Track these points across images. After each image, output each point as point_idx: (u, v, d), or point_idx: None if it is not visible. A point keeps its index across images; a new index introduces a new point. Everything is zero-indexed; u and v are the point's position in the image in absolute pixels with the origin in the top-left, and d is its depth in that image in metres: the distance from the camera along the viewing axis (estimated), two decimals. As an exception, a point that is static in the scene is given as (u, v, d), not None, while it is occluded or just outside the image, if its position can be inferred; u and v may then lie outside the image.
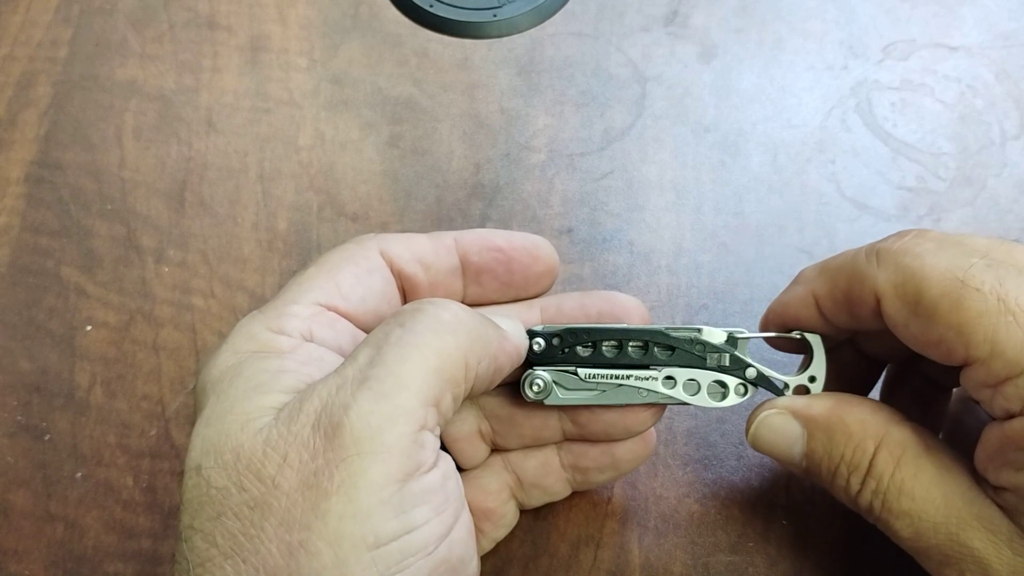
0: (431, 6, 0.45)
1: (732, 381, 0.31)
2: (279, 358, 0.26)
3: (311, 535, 0.23)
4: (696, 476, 0.35)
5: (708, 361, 0.30)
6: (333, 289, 0.28)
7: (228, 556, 0.23)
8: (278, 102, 0.43)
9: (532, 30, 0.45)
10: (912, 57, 0.43)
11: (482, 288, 0.31)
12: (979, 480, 0.27)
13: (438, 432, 0.25)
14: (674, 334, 0.30)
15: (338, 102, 0.43)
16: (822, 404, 0.30)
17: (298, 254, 0.40)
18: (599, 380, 0.30)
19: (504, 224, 0.40)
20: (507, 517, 0.32)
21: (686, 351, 0.30)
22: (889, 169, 0.41)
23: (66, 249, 0.40)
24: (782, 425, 0.30)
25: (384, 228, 0.40)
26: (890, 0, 0.44)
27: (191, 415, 0.37)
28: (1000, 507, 0.26)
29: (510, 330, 0.29)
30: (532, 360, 0.30)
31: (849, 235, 0.39)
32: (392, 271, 0.30)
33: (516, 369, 0.30)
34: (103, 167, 0.42)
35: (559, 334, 0.30)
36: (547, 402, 0.30)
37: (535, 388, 0.30)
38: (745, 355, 0.31)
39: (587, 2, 0.45)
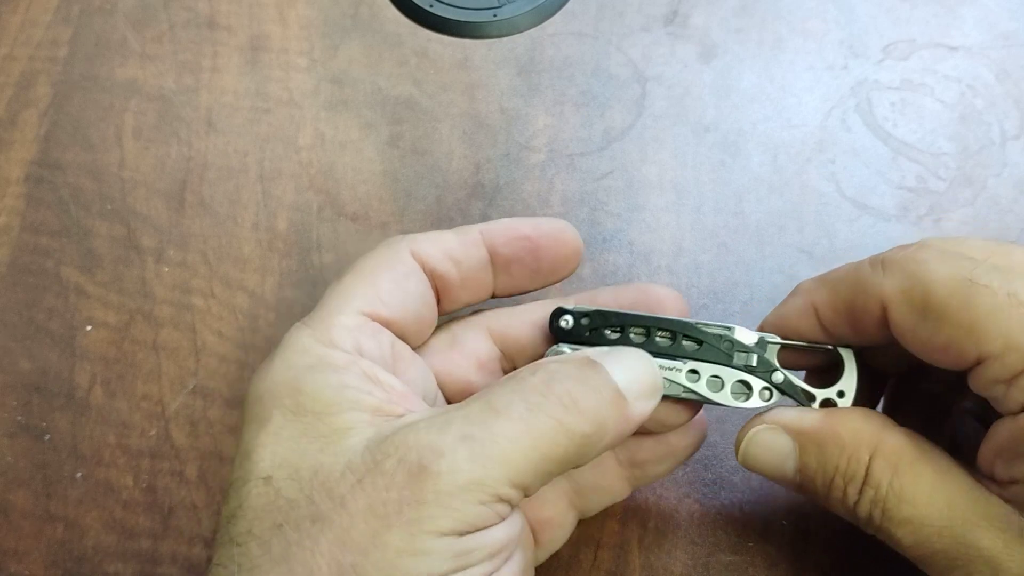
0: (431, 6, 0.45)
1: (757, 384, 0.30)
2: (337, 373, 0.26)
3: (365, 561, 0.23)
4: (696, 476, 0.35)
5: (735, 360, 0.30)
6: (373, 297, 0.29)
7: (277, 563, 0.23)
8: (278, 102, 0.43)
9: (532, 30, 0.45)
10: (912, 57, 0.43)
11: (512, 277, 0.31)
12: (982, 480, 0.27)
13: (517, 502, 0.25)
14: (704, 328, 0.30)
15: (338, 102, 0.43)
16: (812, 416, 0.29)
17: (298, 254, 0.40)
18: None
19: (504, 224, 0.40)
20: (565, 527, 0.32)
21: (714, 347, 0.30)
22: (889, 169, 0.41)
23: (66, 249, 0.40)
24: (772, 441, 0.29)
25: (384, 228, 0.40)
26: (890, 0, 0.44)
27: (191, 415, 0.37)
28: (1009, 502, 0.26)
29: (635, 400, 0.28)
30: (558, 337, 0.31)
31: (849, 235, 0.39)
32: (424, 271, 0.30)
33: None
34: (103, 167, 0.42)
35: (589, 314, 0.30)
36: None
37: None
38: (775, 360, 0.30)
39: (587, 2, 0.45)
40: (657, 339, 0.30)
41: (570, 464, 0.26)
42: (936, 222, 0.40)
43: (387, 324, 0.29)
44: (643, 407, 0.28)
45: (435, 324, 0.32)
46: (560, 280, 0.32)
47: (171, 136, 0.43)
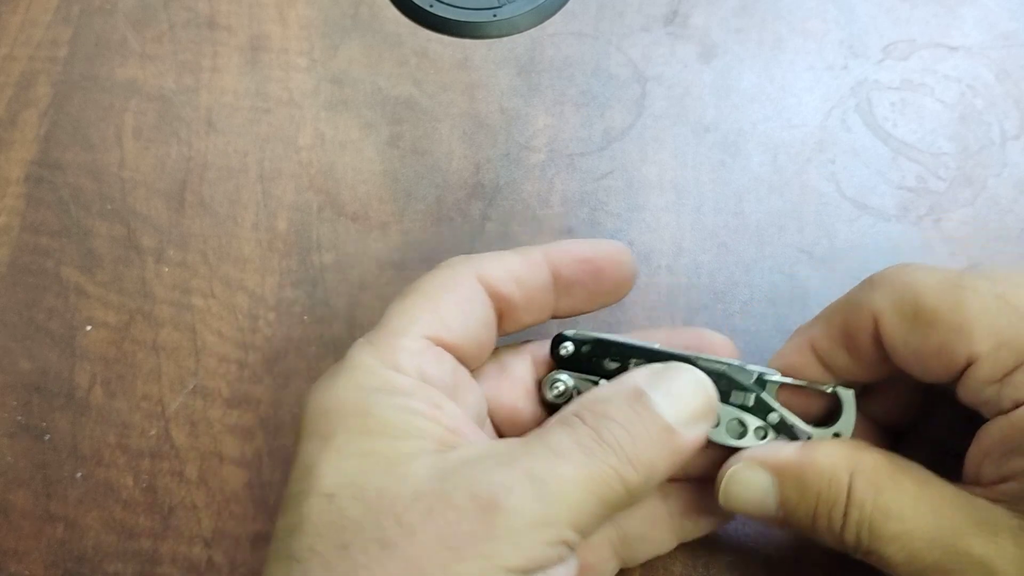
0: (431, 6, 0.45)
1: (753, 422, 0.30)
2: (404, 398, 0.26)
3: None
4: (696, 476, 0.35)
5: (732, 398, 0.30)
6: (436, 320, 0.28)
7: None
8: (278, 102, 0.43)
9: (532, 30, 0.45)
10: (912, 57, 0.43)
11: (572, 299, 0.31)
12: (964, 487, 0.27)
13: (575, 545, 0.26)
14: (703, 364, 0.30)
15: (338, 102, 0.43)
16: (788, 449, 0.29)
17: (298, 254, 0.40)
18: None
19: (504, 224, 0.40)
20: (605, 575, 0.32)
21: (713, 382, 0.29)
22: (889, 169, 0.41)
23: (66, 249, 0.40)
24: (751, 478, 0.29)
25: (384, 228, 0.40)
26: (890, 0, 0.44)
27: (191, 415, 0.37)
28: (998, 501, 0.26)
29: (686, 428, 0.27)
30: (558, 364, 0.31)
31: (849, 235, 0.39)
32: (488, 293, 0.30)
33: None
34: (103, 167, 0.42)
35: (590, 343, 0.31)
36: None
37: (555, 391, 0.31)
38: (772, 399, 0.30)
39: (587, 2, 0.45)
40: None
41: (624, 507, 0.26)
42: (936, 222, 0.40)
43: (449, 348, 0.29)
44: (696, 433, 0.28)
45: (494, 346, 0.32)
46: (616, 301, 0.32)
47: (171, 136, 0.43)
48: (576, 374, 0.31)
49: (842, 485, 0.27)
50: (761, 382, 0.30)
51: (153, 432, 0.37)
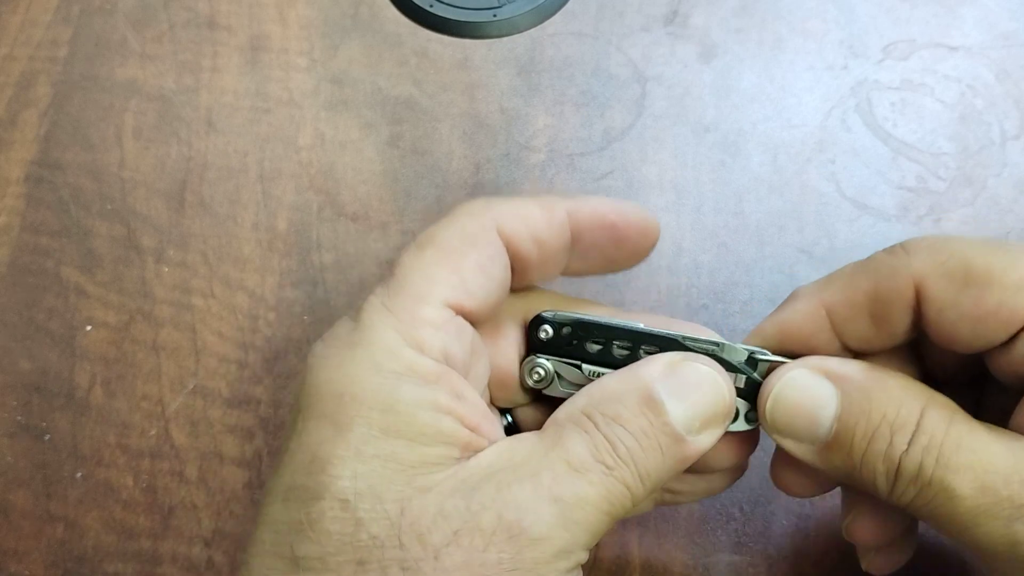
0: (431, 6, 0.45)
1: (744, 406, 0.28)
2: (430, 390, 0.25)
3: None
4: (696, 476, 0.35)
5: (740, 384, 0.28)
6: (459, 284, 0.26)
7: None
8: (278, 102, 0.43)
9: (532, 30, 0.45)
10: (912, 57, 0.43)
11: (585, 262, 0.29)
12: None
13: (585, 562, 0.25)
14: (691, 345, 0.28)
15: (338, 102, 0.43)
16: (857, 365, 0.27)
17: (298, 254, 0.40)
18: (600, 375, 0.29)
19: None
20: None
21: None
22: (889, 169, 0.41)
23: (66, 249, 0.40)
24: (812, 385, 0.27)
25: (384, 228, 0.40)
26: (890, 0, 0.44)
27: (191, 415, 0.37)
28: None
29: (697, 435, 0.26)
30: (536, 347, 0.29)
31: (849, 235, 0.39)
32: (507, 250, 0.28)
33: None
34: (103, 167, 0.42)
35: (570, 324, 0.29)
36: (546, 392, 0.29)
37: (535, 376, 0.29)
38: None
39: (587, 2, 0.45)
40: (641, 353, 0.28)
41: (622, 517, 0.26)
42: (936, 222, 0.40)
43: (467, 316, 0.27)
44: (706, 441, 0.27)
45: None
46: (629, 268, 0.30)
47: (171, 136, 0.43)
48: (555, 358, 0.29)
49: (913, 412, 0.26)
50: (752, 361, 0.28)
51: (153, 432, 0.37)
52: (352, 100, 0.43)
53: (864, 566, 0.30)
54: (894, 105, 0.42)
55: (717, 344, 0.28)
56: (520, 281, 0.29)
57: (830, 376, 0.27)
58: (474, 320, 0.27)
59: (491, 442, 0.26)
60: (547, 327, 0.29)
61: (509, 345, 0.30)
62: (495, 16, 0.45)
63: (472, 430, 0.25)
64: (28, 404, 0.37)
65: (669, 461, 0.26)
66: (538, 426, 0.30)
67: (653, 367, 0.27)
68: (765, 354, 0.28)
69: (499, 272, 0.27)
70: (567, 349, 0.29)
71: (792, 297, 0.29)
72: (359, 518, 0.23)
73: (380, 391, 0.24)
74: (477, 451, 0.25)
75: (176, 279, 0.40)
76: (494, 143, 0.42)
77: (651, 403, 0.26)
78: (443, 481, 0.24)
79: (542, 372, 0.29)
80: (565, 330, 0.29)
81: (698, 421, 0.26)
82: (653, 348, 0.28)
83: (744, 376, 0.28)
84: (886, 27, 0.44)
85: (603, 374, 0.29)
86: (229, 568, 0.35)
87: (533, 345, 0.29)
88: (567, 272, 0.30)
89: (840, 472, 0.27)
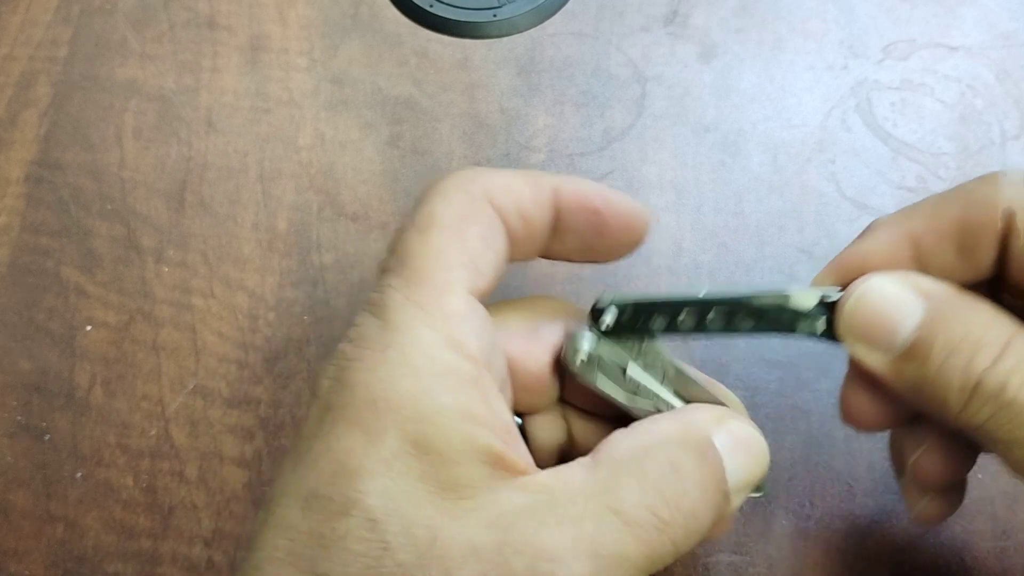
0: (431, 6, 0.45)
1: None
2: (464, 396, 0.23)
3: None
4: (696, 476, 0.35)
5: (800, 328, 0.27)
6: (471, 264, 0.25)
7: None
8: (278, 102, 0.43)
9: (532, 30, 0.45)
10: (912, 57, 0.43)
11: (563, 246, 0.28)
12: None
13: None
14: (758, 303, 0.27)
15: (338, 102, 0.43)
16: (946, 286, 0.26)
17: (298, 254, 0.40)
18: (639, 387, 0.28)
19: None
20: None
21: (774, 319, 0.27)
22: (889, 169, 0.41)
23: (66, 249, 0.40)
24: (898, 293, 0.26)
25: (384, 228, 0.40)
26: (890, 0, 0.44)
27: (191, 415, 0.37)
28: None
29: (738, 495, 0.25)
30: (599, 328, 0.28)
31: (849, 235, 0.39)
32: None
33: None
34: (103, 167, 0.42)
35: (632, 305, 0.27)
36: (582, 376, 0.28)
37: (578, 360, 0.28)
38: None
39: (587, 2, 0.45)
40: (710, 320, 0.27)
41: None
42: (936, 222, 0.40)
43: (481, 298, 0.25)
44: (742, 500, 0.26)
45: None
46: (608, 262, 0.29)
47: (171, 136, 0.43)
48: (607, 339, 0.27)
49: (1002, 334, 0.25)
50: (825, 304, 0.27)
51: (153, 432, 0.37)
52: (352, 100, 0.43)
53: (914, 515, 0.29)
54: (894, 105, 0.42)
55: (785, 294, 0.27)
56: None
57: (919, 290, 0.26)
58: (484, 297, 0.26)
59: (521, 458, 0.24)
60: (610, 313, 0.28)
61: (544, 353, 0.28)
62: (495, 16, 0.45)
63: (504, 443, 0.24)
64: (28, 404, 0.37)
65: (713, 516, 0.25)
66: (551, 436, 0.29)
67: (703, 415, 0.26)
68: (837, 294, 0.27)
69: (501, 245, 0.26)
70: (631, 331, 0.28)
71: (871, 228, 0.28)
72: (387, 542, 0.22)
73: (416, 399, 0.23)
74: (511, 470, 0.23)
75: (176, 279, 0.40)
76: (494, 143, 0.42)
77: (708, 452, 0.25)
78: (476, 510, 0.22)
79: (585, 357, 0.28)
80: (627, 312, 0.28)
81: (743, 482, 0.26)
82: (720, 312, 0.27)
83: (822, 319, 0.27)
84: (886, 27, 0.44)
85: (640, 384, 0.28)
86: (229, 568, 0.35)
87: (596, 332, 0.28)
88: (546, 254, 0.29)
89: (908, 385, 0.26)
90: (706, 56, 0.44)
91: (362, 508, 0.22)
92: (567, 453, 0.30)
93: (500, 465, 0.23)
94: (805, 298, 0.27)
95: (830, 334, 0.27)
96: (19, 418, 0.37)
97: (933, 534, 0.34)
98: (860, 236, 0.28)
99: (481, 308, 0.25)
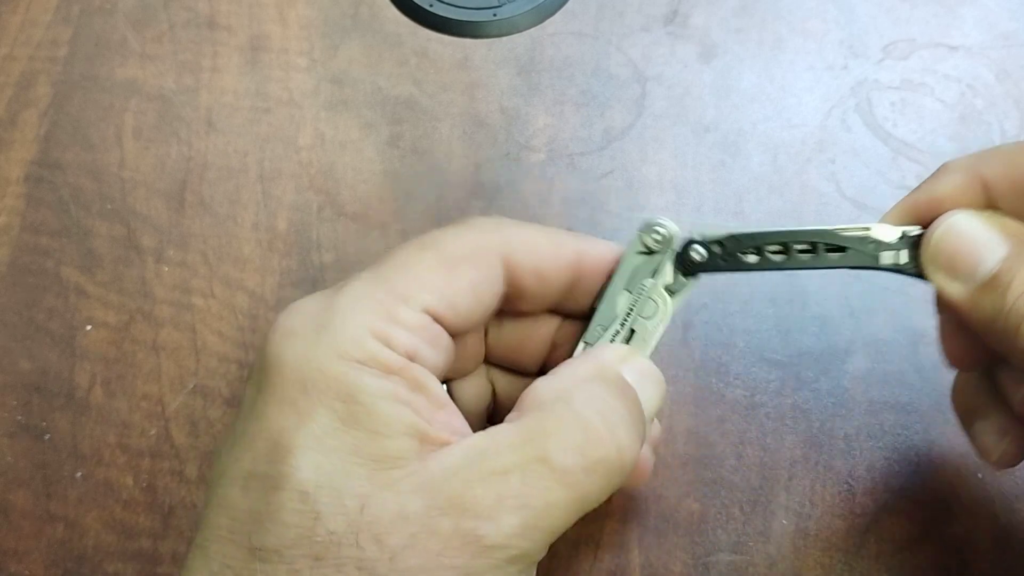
0: (431, 6, 0.45)
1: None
2: (389, 381, 0.24)
3: None
4: (696, 476, 0.35)
5: (883, 260, 0.28)
6: (446, 296, 0.26)
7: None
8: (278, 102, 0.43)
9: (532, 30, 0.45)
10: (912, 57, 0.43)
11: (577, 304, 0.29)
12: None
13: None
14: (844, 233, 0.28)
15: (338, 102, 0.43)
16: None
17: (298, 254, 0.40)
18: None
19: (504, 224, 0.40)
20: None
21: (858, 250, 0.28)
22: (889, 169, 0.41)
23: (66, 249, 0.40)
24: (985, 229, 0.26)
25: (384, 228, 0.40)
26: (890, 0, 0.44)
27: (191, 414, 0.37)
28: None
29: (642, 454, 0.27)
30: (687, 271, 0.29)
31: (849, 235, 0.39)
32: (506, 275, 0.28)
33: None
34: (103, 167, 0.42)
35: (720, 241, 0.28)
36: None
37: (656, 236, 0.29)
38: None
39: (587, 2, 0.45)
40: (797, 254, 0.28)
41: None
42: (936, 222, 0.40)
43: (445, 326, 0.26)
44: (654, 433, 0.27)
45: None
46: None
47: (171, 136, 0.43)
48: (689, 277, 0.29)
49: None
50: (906, 239, 0.28)
51: (153, 432, 0.37)
52: (352, 100, 0.43)
53: (996, 459, 0.30)
54: (894, 105, 0.42)
55: (867, 227, 0.28)
56: (509, 306, 0.29)
57: (1004, 228, 0.26)
58: (452, 331, 0.27)
59: (455, 434, 0.25)
60: (699, 247, 0.28)
61: (538, 346, 0.30)
62: (495, 16, 0.45)
63: (429, 422, 0.25)
64: (28, 404, 0.37)
65: (638, 454, 0.26)
66: (479, 398, 0.30)
67: (608, 353, 0.27)
68: (916, 230, 0.28)
69: (489, 297, 0.27)
70: (724, 267, 0.29)
71: (944, 170, 0.28)
72: (318, 512, 0.22)
73: (343, 380, 0.24)
74: (438, 443, 0.24)
75: (176, 279, 0.40)
76: (494, 143, 0.42)
77: (627, 387, 0.26)
78: (405, 478, 0.23)
79: (664, 233, 0.28)
80: (716, 247, 0.28)
81: (651, 413, 0.27)
82: (805, 244, 0.28)
83: (905, 251, 0.28)
84: (886, 27, 0.44)
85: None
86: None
87: (684, 269, 0.29)
88: (558, 309, 0.30)
89: (984, 316, 0.26)
90: (706, 56, 0.44)
91: (294, 482, 0.23)
92: (493, 415, 0.31)
93: (427, 441, 0.24)
94: (887, 231, 0.28)
95: (911, 267, 0.28)
96: (19, 418, 0.37)
97: (933, 534, 0.34)
98: (932, 177, 0.28)
99: (438, 329, 0.26)
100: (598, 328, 0.29)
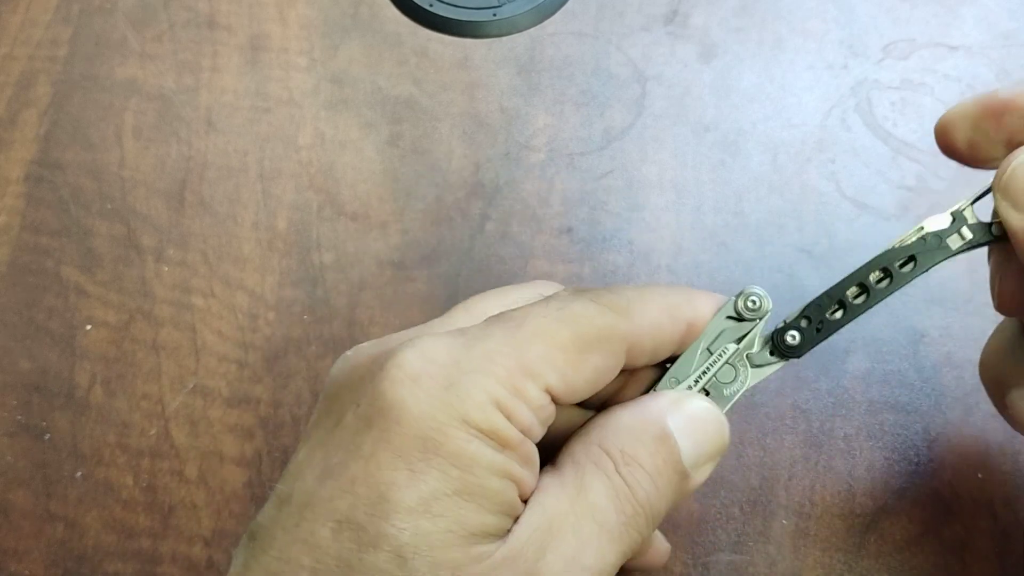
0: (431, 5, 0.45)
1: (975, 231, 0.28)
2: (504, 455, 0.24)
3: None
4: (696, 476, 0.35)
5: (952, 246, 0.28)
6: (571, 378, 0.25)
7: None
8: (278, 101, 0.43)
9: (532, 29, 0.45)
10: (912, 56, 0.43)
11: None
12: None
13: None
14: (905, 245, 0.28)
15: (338, 101, 0.43)
16: None
17: (298, 253, 0.40)
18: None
19: (504, 223, 0.40)
20: None
21: (927, 252, 0.28)
22: (889, 168, 0.41)
23: (66, 249, 0.40)
24: None
25: (384, 228, 0.40)
26: (890, 0, 0.44)
27: (191, 414, 0.37)
28: None
29: (697, 469, 0.27)
30: (785, 354, 0.29)
31: (849, 234, 0.39)
32: (622, 356, 0.27)
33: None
34: (103, 167, 0.42)
35: (807, 315, 0.29)
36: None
37: (751, 303, 0.29)
38: (976, 217, 0.28)
39: (587, 1, 0.45)
40: (876, 286, 0.28)
41: None
42: (936, 222, 0.40)
43: (557, 403, 0.26)
44: (704, 475, 0.27)
45: None
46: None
47: (171, 136, 0.43)
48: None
49: None
50: (960, 216, 0.28)
51: (153, 431, 0.37)
52: (352, 100, 0.43)
53: None
54: (894, 105, 0.42)
55: (920, 227, 0.28)
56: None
57: None
58: (559, 404, 0.26)
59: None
60: (794, 332, 0.29)
61: (635, 390, 0.29)
62: (495, 15, 0.45)
63: (523, 496, 0.25)
64: (28, 404, 0.37)
65: (674, 495, 0.26)
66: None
67: (661, 401, 0.27)
68: (966, 204, 0.28)
69: (604, 382, 0.27)
70: (819, 336, 0.29)
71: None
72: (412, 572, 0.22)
73: (463, 448, 0.23)
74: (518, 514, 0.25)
75: (176, 278, 0.40)
76: (494, 142, 0.42)
77: (665, 440, 0.26)
78: (494, 552, 0.23)
79: (758, 304, 0.28)
80: (803, 323, 0.29)
81: (702, 457, 0.27)
82: (880, 274, 0.28)
83: (965, 227, 0.28)
84: (886, 27, 0.44)
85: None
86: (229, 568, 0.35)
87: (781, 353, 0.29)
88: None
89: None
90: (706, 56, 0.44)
91: (394, 544, 0.22)
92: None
93: (513, 513, 0.24)
94: (938, 220, 0.28)
95: (980, 237, 0.28)
96: (19, 418, 0.37)
97: (933, 534, 0.34)
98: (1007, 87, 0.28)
99: (552, 409, 0.25)
100: (672, 379, 0.29)
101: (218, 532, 0.35)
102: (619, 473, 0.25)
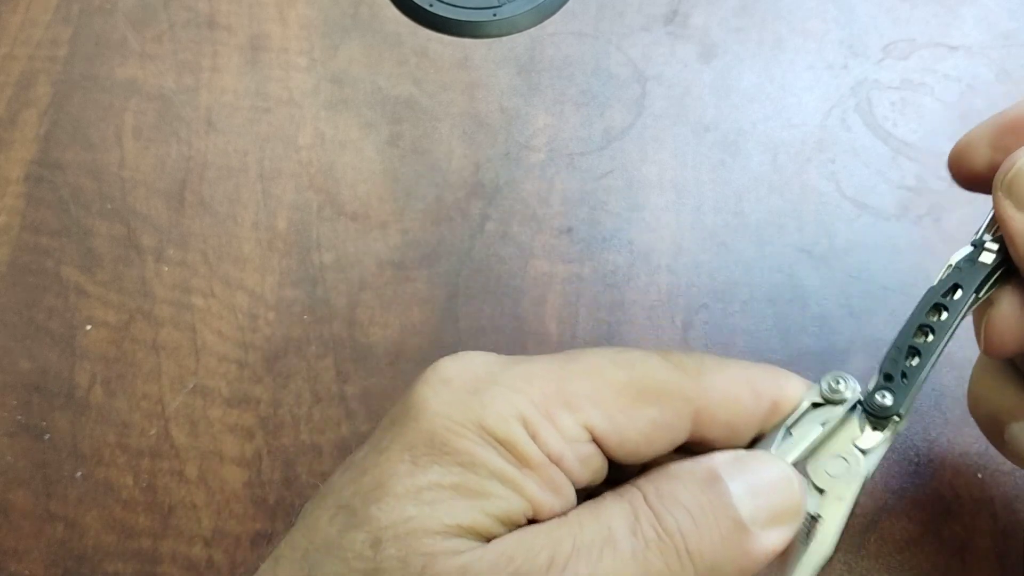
0: (431, 5, 0.45)
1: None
2: (519, 471, 0.23)
3: None
4: (696, 476, 0.35)
5: (981, 271, 0.28)
6: (619, 424, 0.24)
7: None
8: (278, 101, 0.43)
9: (532, 29, 0.45)
10: (912, 56, 0.43)
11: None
12: None
13: None
14: (945, 279, 0.28)
15: (338, 101, 0.43)
16: None
17: (298, 253, 0.40)
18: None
19: (504, 223, 0.40)
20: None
21: (968, 275, 0.28)
22: (889, 168, 0.41)
23: (66, 249, 0.40)
24: None
25: (384, 228, 0.40)
26: (890, 0, 0.44)
27: (191, 414, 0.37)
28: None
29: (763, 529, 0.24)
30: (884, 414, 0.27)
31: (849, 234, 0.39)
32: (691, 424, 0.25)
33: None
34: (103, 167, 0.42)
35: (886, 373, 0.27)
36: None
37: (884, 398, 0.27)
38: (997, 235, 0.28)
39: (587, 1, 0.45)
40: (935, 324, 0.28)
41: None
42: (936, 221, 0.40)
43: (608, 453, 0.24)
44: (774, 539, 0.24)
45: None
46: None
47: (171, 136, 0.43)
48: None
49: None
50: (978, 244, 0.28)
51: (153, 431, 0.37)
52: (352, 100, 0.43)
53: None
54: (894, 105, 0.42)
55: (949, 264, 0.28)
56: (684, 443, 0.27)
57: None
58: (615, 460, 0.25)
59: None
60: (883, 392, 0.27)
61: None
62: (495, 15, 0.45)
63: (538, 515, 0.23)
64: (28, 404, 0.37)
65: (729, 549, 0.23)
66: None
67: (719, 456, 0.25)
68: (981, 232, 0.28)
69: (666, 442, 0.25)
70: (906, 384, 0.27)
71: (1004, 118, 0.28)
72: (379, 564, 0.22)
73: (471, 450, 0.23)
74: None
75: (176, 278, 0.40)
76: (494, 142, 0.42)
77: (713, 482, 0.24)
78: (475, 548, 0.22)
79: (844, 388, 0.27)
80: (886, 380, 0.27)
81: (765, 511, 0.24)
82: (932, 315, 0.28)
83: (987, 246, 0.28)
84: (886, 27, 0.44)
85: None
86: (229, 568, 0.35)
87: (878, 419, 0.27)
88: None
89: None
90: (706, 56, 0.44)
91: (375, 526, 0.22)
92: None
93: (512, 525, 0.23)
94: (960, 252, 0.28)
95: (999, 256, 0.28)
96: (19, 418, 0.37)
97: (933, 534, 0.34)
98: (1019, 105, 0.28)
99: (593, 448, 0.24)
100: None
101: (218, 532, 0.35)
102: (646, 502, 0.23)
